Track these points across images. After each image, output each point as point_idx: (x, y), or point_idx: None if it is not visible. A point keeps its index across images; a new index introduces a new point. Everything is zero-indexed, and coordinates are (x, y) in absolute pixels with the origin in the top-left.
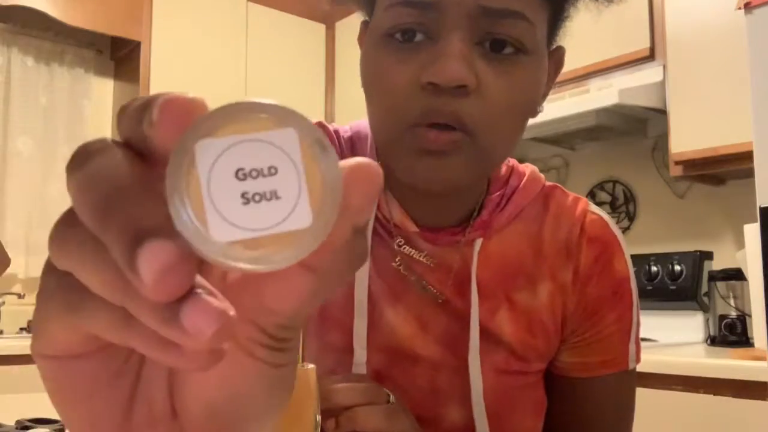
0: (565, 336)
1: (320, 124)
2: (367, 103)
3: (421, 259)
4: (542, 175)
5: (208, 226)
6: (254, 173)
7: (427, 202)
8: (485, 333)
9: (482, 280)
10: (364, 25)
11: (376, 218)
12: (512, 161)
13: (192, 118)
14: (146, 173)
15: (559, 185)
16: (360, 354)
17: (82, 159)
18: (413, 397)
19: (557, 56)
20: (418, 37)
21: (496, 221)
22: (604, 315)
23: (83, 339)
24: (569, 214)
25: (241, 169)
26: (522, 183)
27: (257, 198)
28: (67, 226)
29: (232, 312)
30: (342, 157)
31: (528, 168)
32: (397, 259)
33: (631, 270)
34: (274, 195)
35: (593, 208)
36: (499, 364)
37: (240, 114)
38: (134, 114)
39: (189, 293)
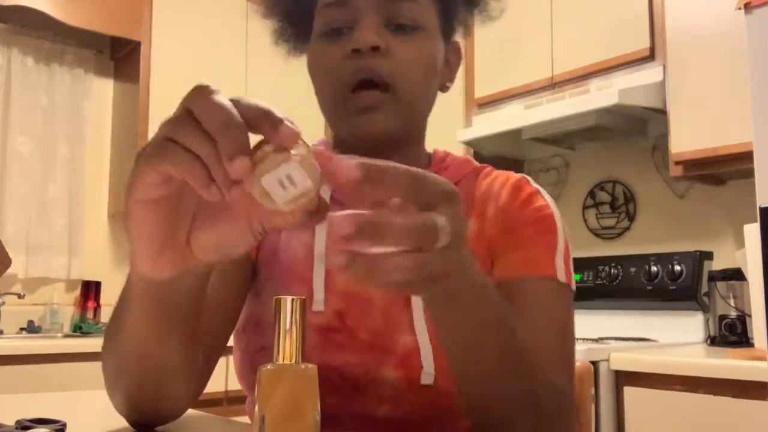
0: (493, 256)
1: None
2: (315, 89)
3: None
4: (475, 162)
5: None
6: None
7: None
8: None
9: None
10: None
11: (332, 196)
12: (450, 152)
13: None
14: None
15: (489, 165)
16: (319, 295)
17: (205, 92)
18: (370, 328)
19: (454, 48)
20: (345, 31)
21: None
22: (523, 230)
23: (161, 181)
24: (496, 176)
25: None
26: (456, 161)
27: (288, 182)
28: (186, 122)
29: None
30: None
31: (464, 155)
32: None
33: (554, 208)
34: (291, 182)
35: (518, 174)
36: None
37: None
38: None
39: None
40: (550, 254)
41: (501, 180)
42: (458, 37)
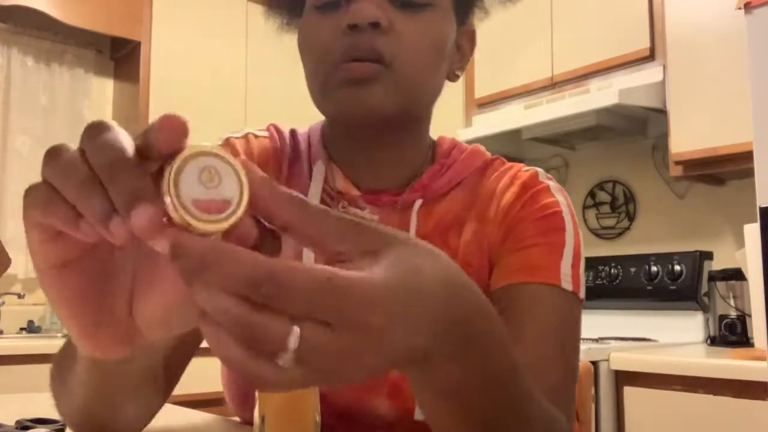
0: (493, 262)
1: (274, 126)
2: (303, 65)
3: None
4: (486, 152)
5: (179, 196)
6: (209, 181)
7: (368, 164)
8: None
9: (421, 235)
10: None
11: (323, 189)
12: (457, 141)
13: (180, 132)
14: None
15: (501, 157)
16: None
17: (96, 131)
18: None
19: (469, 33)
20: (342, 4)
21: (435, 184)
22: (526, 228)
23: (49, 237)
24: (503, 172)
25: (203, 176)
26: (463, 155)
27: (210, 191)
28: (71, 163)
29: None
30: (283, 150)
31: (473, 146)
32: None
33: (565, 205)
34: (218, 193)
35: (528, 167)
36: None
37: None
38: (143, 133)
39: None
40: (555, 257)
41: (510, 176)
42: (474, 21)
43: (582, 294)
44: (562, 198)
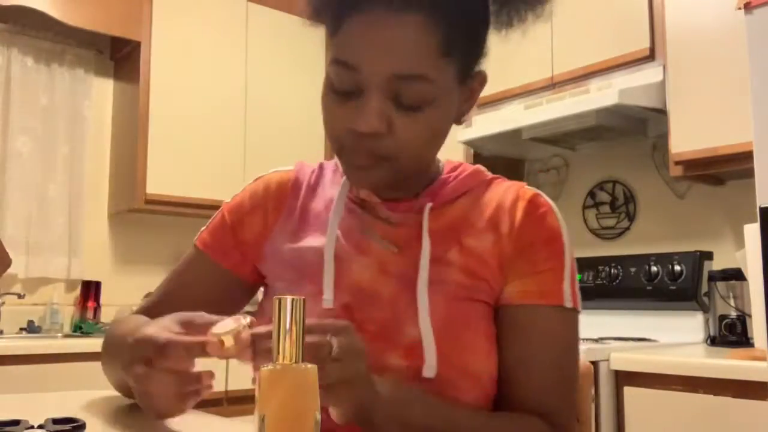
0: (506, 275)
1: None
2: None
3: (383, 221)
4: (488, 172)
5: None
6: None
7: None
8: (437, 266)
9: (434, 231)
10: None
11: (348, 196)
12: (463, 162)
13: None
14: None
15: (503, 177)
16: (328, 293)
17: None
18: (376, 320)
19: (479, 78)
20: (353, 95)
21: (443, 191)
22: (536, 252)
23: None
24: (506, 187)
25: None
26: (467, 171)
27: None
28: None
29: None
30: (304, 178)
31: (476, 166)
32: (362, 225)
33: (564, 227)
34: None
35: (529, 187)
36: (449, 293)
37: None
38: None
39: None
40: (560, 281)
41: (514, 191)
42: (483, 63)
43: (579, 306)
44: (560, 217)
